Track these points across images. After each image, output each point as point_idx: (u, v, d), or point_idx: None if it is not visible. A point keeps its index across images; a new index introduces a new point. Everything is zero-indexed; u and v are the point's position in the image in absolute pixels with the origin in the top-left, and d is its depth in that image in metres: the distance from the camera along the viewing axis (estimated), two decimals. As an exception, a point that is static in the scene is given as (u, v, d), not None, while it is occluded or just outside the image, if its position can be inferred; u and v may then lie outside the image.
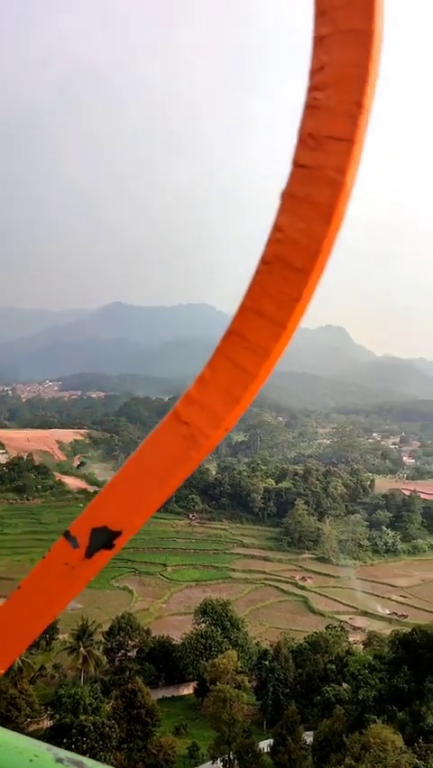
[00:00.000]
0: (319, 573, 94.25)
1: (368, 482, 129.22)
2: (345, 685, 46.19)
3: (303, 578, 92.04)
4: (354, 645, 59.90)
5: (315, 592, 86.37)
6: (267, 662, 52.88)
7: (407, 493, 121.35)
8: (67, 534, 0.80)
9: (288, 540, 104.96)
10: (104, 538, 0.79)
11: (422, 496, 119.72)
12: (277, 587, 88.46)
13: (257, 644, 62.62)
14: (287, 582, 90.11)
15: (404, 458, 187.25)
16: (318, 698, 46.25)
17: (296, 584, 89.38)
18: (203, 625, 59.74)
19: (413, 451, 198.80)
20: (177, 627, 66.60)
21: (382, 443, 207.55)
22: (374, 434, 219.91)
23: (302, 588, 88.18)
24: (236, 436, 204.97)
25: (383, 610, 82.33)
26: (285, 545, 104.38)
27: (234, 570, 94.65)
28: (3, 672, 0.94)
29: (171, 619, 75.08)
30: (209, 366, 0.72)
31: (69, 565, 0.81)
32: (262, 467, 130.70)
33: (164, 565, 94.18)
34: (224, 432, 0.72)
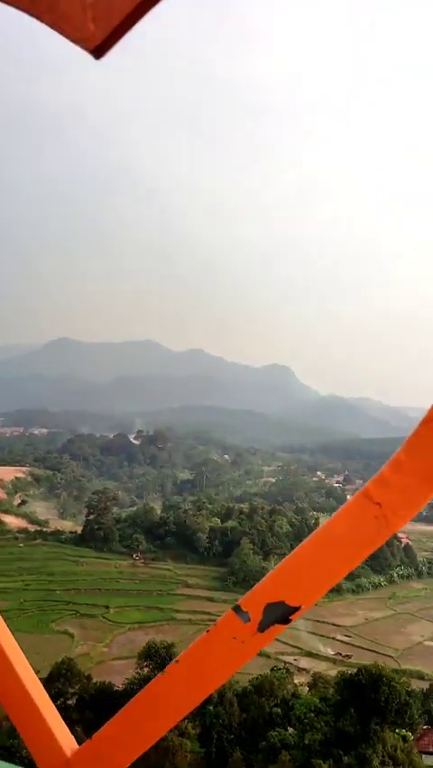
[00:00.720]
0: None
1: (313, 521, 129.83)
2: (290, 729, 45.53)
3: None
4: (300, 687, 59.26)
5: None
6: (211, 708, 51.70)
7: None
8: (237, 609, 0.79)
9: (233, 580, 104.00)
10: (279, 613, 0.79)
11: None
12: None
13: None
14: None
15: (348, 496, 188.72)
16: (264, 743, 45.37)
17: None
18: (146, 669, 58.12)
19: (356, 489, 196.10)
20: (119, 672, 64.66)
21: (327, 481, 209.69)
22: (318, 473, 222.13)
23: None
24: (182, 474, 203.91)
25: (328, 650, 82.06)
26: (230, 585, 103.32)
27: (178, 611, 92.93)
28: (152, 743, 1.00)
29: (114, 664, 72.89)
30: (405, 450, 0.72)
31: (237, 639, 0.80)
32: (208, 506, 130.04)
33: (106, 607, 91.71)
34: (416, 512, 0.71)
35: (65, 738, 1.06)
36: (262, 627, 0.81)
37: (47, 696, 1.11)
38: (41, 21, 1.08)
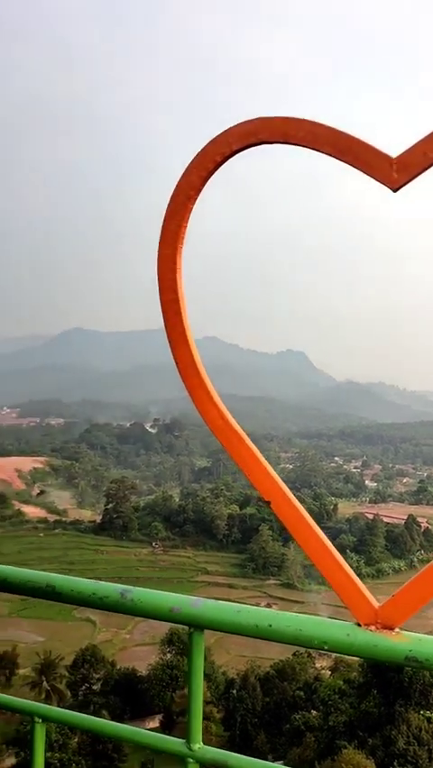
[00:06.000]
0: (284, 599, 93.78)
1: (331, 506, 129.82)
2: (313, 712, 45.78)
3: (268, 604, 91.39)
4: (322, 672, 59.53)
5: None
6: (234, 692, 52.15)
7: (370, 517, 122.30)
8: None
9: (252, 566, 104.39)
10: None
11: (384, 519, 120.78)
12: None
13: (223, 673, 61.71)
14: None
15: (366, 481, 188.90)
16: (287, 726, 45.69)
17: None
18: (168, 655, 58.67)
19: (375, 474, 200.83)
20: (142, 658, 65.24)
21: (345, 466, 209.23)
22: (336, 459, 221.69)
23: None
24: (199, 462, 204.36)
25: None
26: (250, 572, 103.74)
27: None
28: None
29: (136, 650, 73.60)
30: None
31: None
32: (226, 493, 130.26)
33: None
34: None
35: (370, 596, 1.32)
36: None
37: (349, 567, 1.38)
38: (345, 162, 1.31)
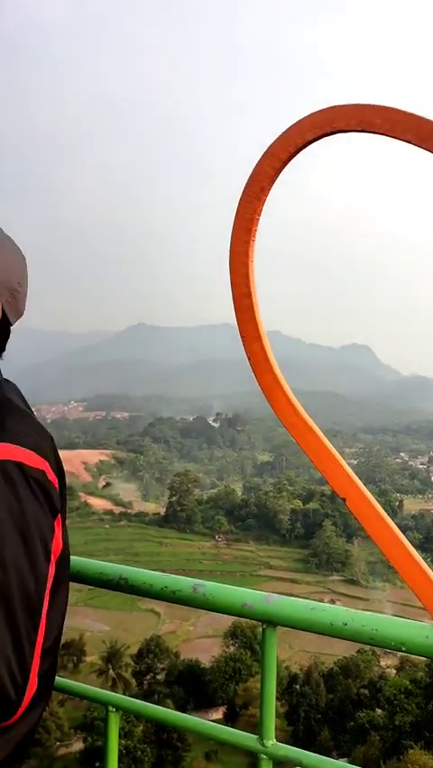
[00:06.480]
0: (348, 596, 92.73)
1: (397, 503, 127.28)
2: (378, 711, 45.16)
3: (332, 600, 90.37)
4: (387, 670, 58.62)
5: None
6: (298, 687, 51.95)
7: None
8: None
9: (316, 562, 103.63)
10: None
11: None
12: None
13: (286, 667, 61.54)
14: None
15: (432, 478, 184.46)
16: (351, 724, 45.24)
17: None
18: (232, 648, 58.95)
19: None
20: (205, 650, 65.76)
21: (410, 462, 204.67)
22: (402, 454, 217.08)
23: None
24: (261, 456, 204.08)
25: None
26: (313, 567, 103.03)
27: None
28: None
29: (199, 642, 74.27)
30: None
31: None
32: (289, 488, 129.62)
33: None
34: None
35: None
36: None
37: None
38: (427, 150, 1.23)
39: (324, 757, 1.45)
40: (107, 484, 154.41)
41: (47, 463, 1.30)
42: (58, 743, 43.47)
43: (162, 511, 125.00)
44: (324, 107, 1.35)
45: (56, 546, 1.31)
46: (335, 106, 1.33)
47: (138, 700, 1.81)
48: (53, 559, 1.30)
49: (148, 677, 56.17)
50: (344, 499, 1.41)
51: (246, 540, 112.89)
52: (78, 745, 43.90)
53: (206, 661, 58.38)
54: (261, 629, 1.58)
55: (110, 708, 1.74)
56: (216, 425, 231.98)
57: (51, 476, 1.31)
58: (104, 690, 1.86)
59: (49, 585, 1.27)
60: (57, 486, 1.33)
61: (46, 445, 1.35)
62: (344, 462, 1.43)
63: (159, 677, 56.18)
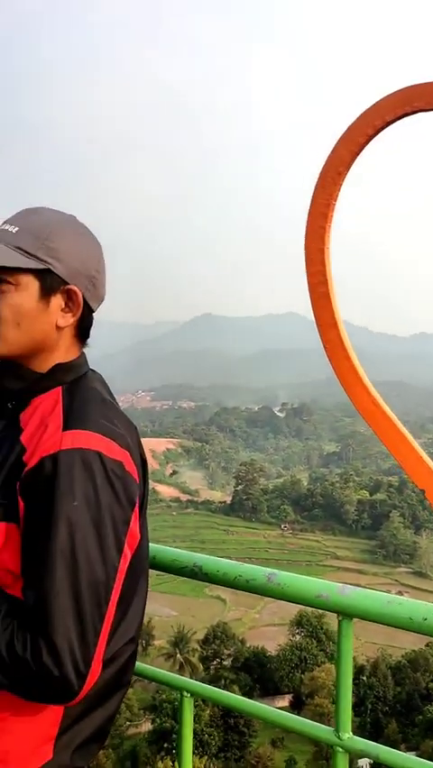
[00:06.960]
0: (417, 588, 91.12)
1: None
2: (449, 706, 44.38)
3: (399, 592, 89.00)
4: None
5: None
6: (365, 678, 51.56)
7: None
8: None
9: (383, 553, 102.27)
10: None
11: None
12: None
13: (353, 658, 60.96)
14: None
15: None
16: (420, 717, 44.64)
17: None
18: (298, 637, 59.01)
19: None
20: (270, 638, 66.10)
21: None
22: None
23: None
24: (327, 446, 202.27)
25: None
26: (380, 558, 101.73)
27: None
28: None
29: (265, 630, 74.68)
30: None
31: None
32: (356, 478, 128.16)
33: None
34: None
35: None
36: None
37: None
38: None
39: (402, 753, 1.41)
40: (174, 472, 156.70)
41: (128, 454, 1.31)
42: (128, 722, 44.70)
43: (228, 499, 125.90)
44: (404, 86, 1.28)
45: (132, 537, 1.32)
46: (415, 84, 1.26)
47: (211, 687, 1.84)
48: (130, 550, 1.31)
49: (215, 662, 56.90)
50: (423, 491, 1.37)
51: (312, 530, 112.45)
52: (146, 726, 45.06)
53: (271, 649, 58.68)
54: (337, 620, 1.52)
55: (185, 694, 1.76)
56: (281, 414, 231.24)
57: (131, 467, 1.31)
58: (178, 675, 1.92)
59: (120, 577, 1.27)
60: (136, 477, 1.34)
61: (129, 435, 1.35)
62: (423, 453, 1.40)
63: (225, 663, 56.83)
